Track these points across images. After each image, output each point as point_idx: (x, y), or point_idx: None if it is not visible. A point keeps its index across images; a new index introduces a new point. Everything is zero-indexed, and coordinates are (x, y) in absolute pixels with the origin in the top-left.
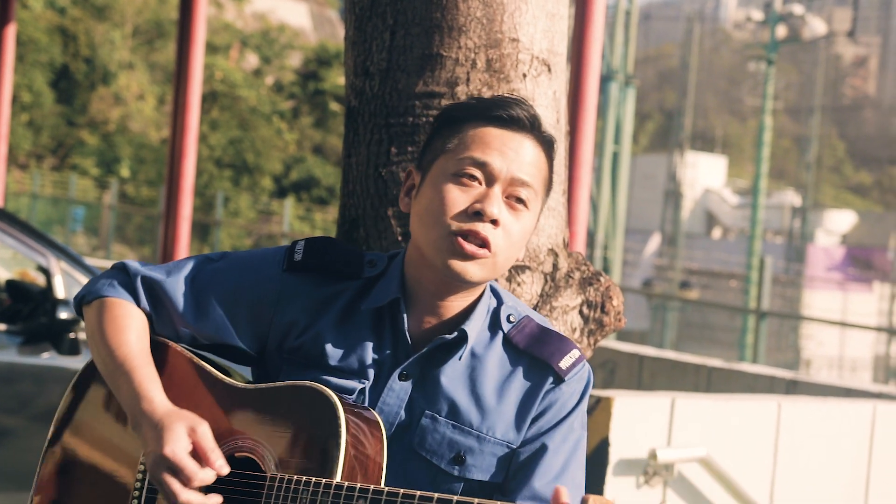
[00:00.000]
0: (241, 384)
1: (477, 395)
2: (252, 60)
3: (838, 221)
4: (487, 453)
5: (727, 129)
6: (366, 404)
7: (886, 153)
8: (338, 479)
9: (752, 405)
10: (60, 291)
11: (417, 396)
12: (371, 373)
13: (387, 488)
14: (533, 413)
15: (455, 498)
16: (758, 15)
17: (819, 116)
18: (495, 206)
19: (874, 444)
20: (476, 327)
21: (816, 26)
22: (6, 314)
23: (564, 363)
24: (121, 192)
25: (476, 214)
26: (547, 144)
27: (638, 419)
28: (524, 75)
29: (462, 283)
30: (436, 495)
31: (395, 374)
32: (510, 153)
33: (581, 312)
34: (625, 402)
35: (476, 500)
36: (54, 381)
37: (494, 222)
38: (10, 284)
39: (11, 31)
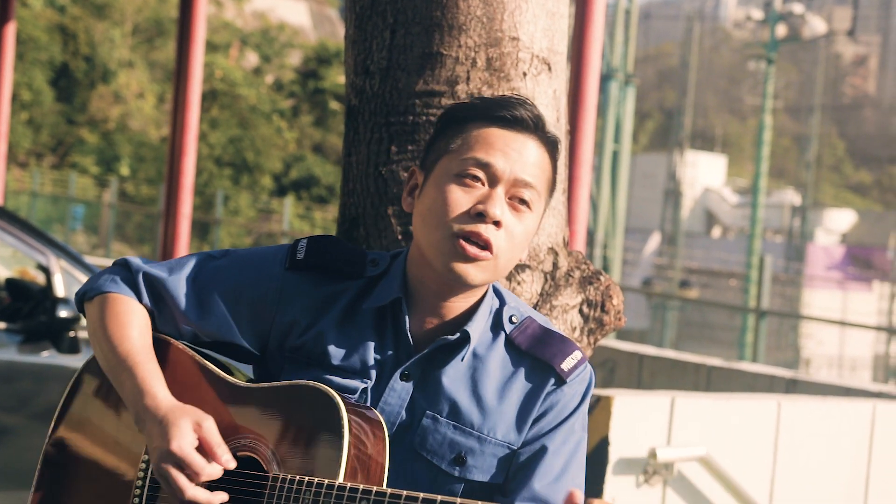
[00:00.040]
0: (243, 383)
1: (478, 396)
2: (252, 59)
3: (838, 220)
4: (488, 454)
5: (727, 128)
6: (368, 404)
7: (886, 152)
8: (340, 479)
9: (751, 404)
10: (60, 290)
11: (419, 397)
12: (373, 372)
13: (389, 490)
14: (534, 414)
15: (458, 500)
16: (758, 14)
17: (819, 115)
18: (498, 207)
19: (874, 443)
20: (478, 328)
21: (816, 25)
22: (6, 312)
23: (566, 365)
24: (120, 190)
25: (478, 216)
26: (551, 145)
27: (638, 418)
28: (524, 74)
29: (463, 286)
30: (439, 497)
31: (397, 375)
32: (513, 154)
33: (581, 311)
34: (625, 402)
35: None
36: (54, 380)
37: (497, 223)
38: (10, 283)
39: (11, 29)
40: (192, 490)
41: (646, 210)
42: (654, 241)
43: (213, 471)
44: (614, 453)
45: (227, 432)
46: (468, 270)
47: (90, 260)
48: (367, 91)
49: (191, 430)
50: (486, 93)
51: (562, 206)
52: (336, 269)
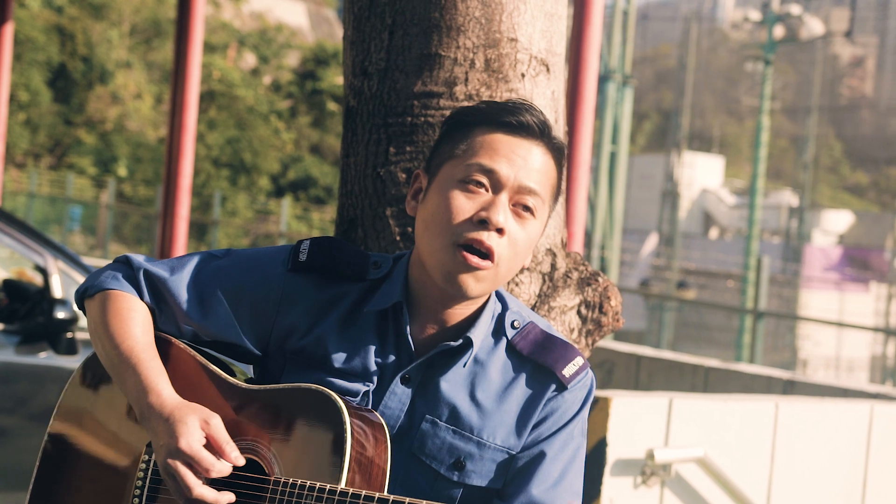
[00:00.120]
0: (244, 384)
1: (478, 401)
2: (249, 60)
3: (835, 221)
4: (487, 459)
5: (724, 129)
6: (369, 407)
7: (883, 153)
8: (342, 484)
9: (749, 405)
10: (58, 291)
11: (419, 401)
12: (374, 376)
13: (392, 497)
14: (534, 420)
15: None
16: (755, 15)
17: (816, 116)
18: (501, 214)
19: (871, 444)
20: (481, 334)
21: (814, 26)
22: (3, 314)
23: (568, 371)
24: (118, 191)
25: (481, 223)
26: (557, 151)
27: (635, 419)
28: (522, 75)
29: (462, 298)
30: None
31: (398, 378)
32: (518, 160)
33: (579, 313)
34: (622, 403)
35: None
36: (51, 381)
37: (500, 231)
38: (8, 284)
39: (9, 29)
40: (199, 488)
41: (643, 211)
42: (652, 242)
43: (223, 467)
44: (612, 454)
45: (229, 433)
46: (468, 282)
47: (88, 261)
48: (365, 92)
49: (199, 427)
50: (485, 94)
51: (560, 208)
52: (338, 272)
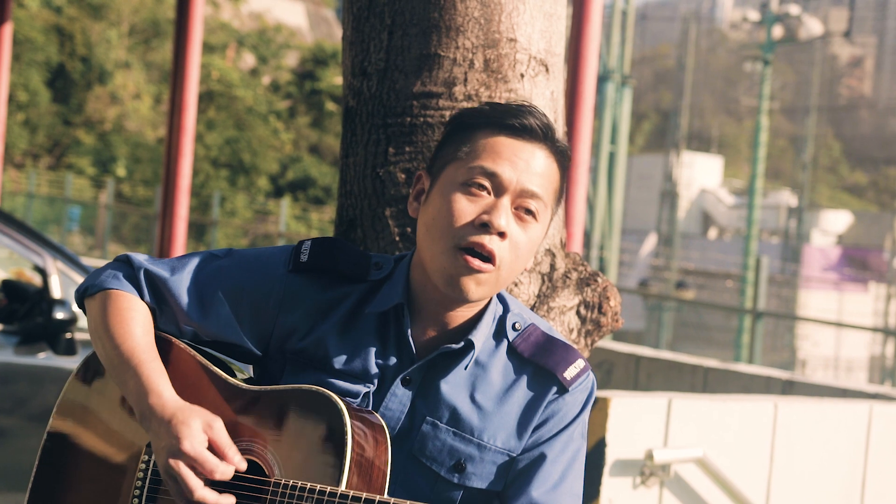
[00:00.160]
0: (244, 385)
1: (479, 403)
2: (248, 60)
3: (834, 222)
4: (488, 461)
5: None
6: (370, 408)
7: (882, 153)
8: (342, 486)
9: (748, 406)
10: (57, 291)
11: (419, 403)
12: (375, 377)
13: (392, 499)
14: (535, 422)
15: None
16: (754, 15)
17: (815, 117)
18: (503, 217)
19: (870, 444)
20: (482, 336)
21: (812, 26)
22: (2, 314)
23: (569, 373)
24: (117, 191)
25: (483, 226)
26: (560, 154)
27: (634, 419)
28: (522, 75)
29: (463, 301)
30: None
31: (398, 380)
32: (521, 163)
33: (578, 313)
34: (621, 403)
35: None
36: (51, 382)
37: (501, 234)
38: (7, 284)
39: (8, 29)
40: (201, 490)
41: (642, 211)
42: (651, 242)
43: (226, 470)
44: (611, 455)
45: (229, 434)
46: (469, 285)
47: (86, 261)
48: (364, 92)
49: (201, 430)
50: (484, 94)
51: (560, 209)
52: (339, 272)
